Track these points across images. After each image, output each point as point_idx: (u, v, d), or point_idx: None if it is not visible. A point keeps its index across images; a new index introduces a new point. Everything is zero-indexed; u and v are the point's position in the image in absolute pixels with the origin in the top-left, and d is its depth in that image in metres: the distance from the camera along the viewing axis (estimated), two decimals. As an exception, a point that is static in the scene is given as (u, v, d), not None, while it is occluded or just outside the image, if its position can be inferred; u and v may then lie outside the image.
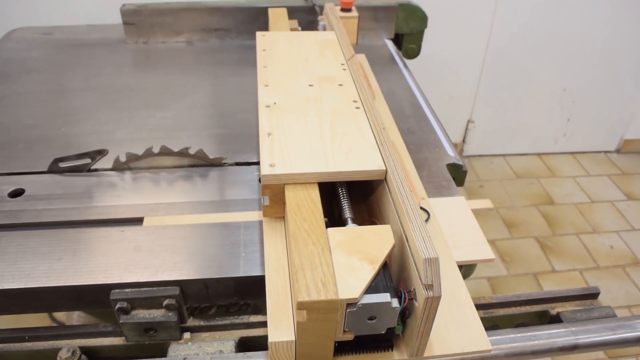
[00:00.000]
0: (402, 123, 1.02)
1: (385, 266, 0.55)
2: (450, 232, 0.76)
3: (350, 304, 0.50)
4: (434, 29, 2.00)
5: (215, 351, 0.70)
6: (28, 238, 0.75)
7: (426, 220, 0.77)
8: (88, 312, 1.08)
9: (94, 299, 0.69)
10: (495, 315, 0.80)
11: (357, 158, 0.65)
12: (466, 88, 2.26)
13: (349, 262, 0.53)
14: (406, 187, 0.60)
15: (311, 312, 0.50)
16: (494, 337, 0.70)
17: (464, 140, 2.43)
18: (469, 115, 2.36)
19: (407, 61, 1.33)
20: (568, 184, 2.38)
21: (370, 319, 0.52)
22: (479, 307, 0.80)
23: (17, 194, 0.82)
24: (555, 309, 0.80)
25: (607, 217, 2.20)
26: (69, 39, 1.30)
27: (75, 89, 1.10)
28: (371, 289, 0.52)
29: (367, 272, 0.52)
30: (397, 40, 1.40)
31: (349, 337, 0.54)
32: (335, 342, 0.55)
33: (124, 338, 0.72)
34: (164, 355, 0.71)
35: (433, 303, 0.51)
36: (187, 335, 0.72)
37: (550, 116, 2.43)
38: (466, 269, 0.78)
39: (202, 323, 0.74)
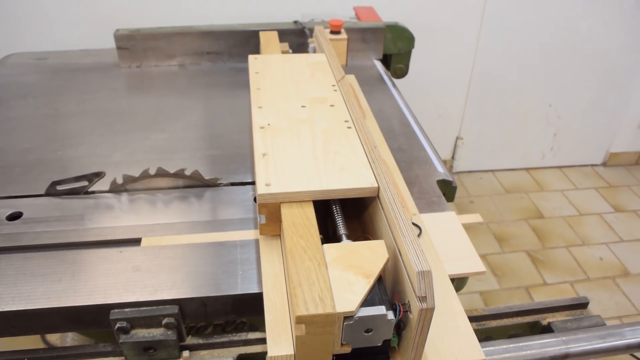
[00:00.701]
0: (393, 141, 1.04)
1: (380, 280, 0.57)
2: (441, 247, 0.78)
3: (348, 317, 0.52)
4: (421, 48, 2.05)
5: (214, 367, 0.71)
6: (27, 260, 0.75)
7: (418, 236, 0.79)
8: (83, 334, 1.08)
9: (94, 319, 0.70)
10: (488, 327, 0.81)
11: (349, 176, 0.68)
12: (454, 105, 2.31)
13: (344, 277, 0.55)
14: (398, 203, 0.62)
15: (310, 325, 0.52)
16: (488, 348, 0.72)
17: (453, 157, 2.47)
18: (458, 132, 2.40)
19: (396, 80, 1.36)
20: (556, 197, 2.42)
21: (367, 331, 0.54)
22: (471, 319, 0.82)
23: (15, 217, 0.83)
24: (547, 319, 0.82)
25: (596, 229, 2.23)
26: (63, 64, 1.32)
27: (71, 113, 1.12)
28: (367, 302, 0.54)
29: (363, 286, 0.54)
30: (386, 60, 1.44)
31: (347, 350, 0.55)
32: (333, 355, 0.56)
33: (123, 358, 0.73)
34: (164, 374, 0.72)
35: (427, 314, 0.53)
36: (186, 353, 0.73)
37: (537, 131, 2.48)
38: (458, 282, 0.80)
39: (200, 341, 0.75)
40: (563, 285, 1.96)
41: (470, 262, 0.77)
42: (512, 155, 2.53)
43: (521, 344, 0.74)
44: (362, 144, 0.74)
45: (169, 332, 0.70)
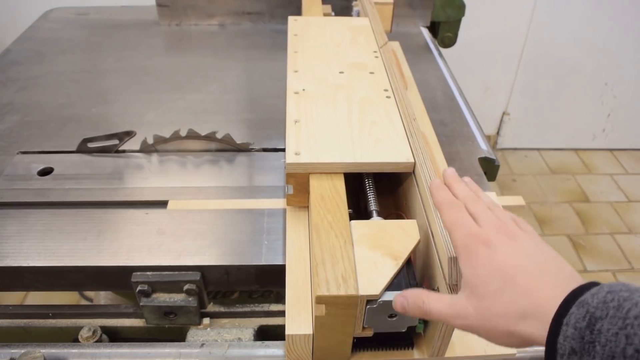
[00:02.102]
0: (435, 114, 0.99)
1: (409, 263, 0.53)
2: (479, 229, 0.74)
3: (371, 300, 0.49)
4: (472, 16, 1.95)
5: (234, 338, 0.70)
6: (55, 217, 0.75)
7: (454, 216, 0.74)
8: (114, 292, 1.10)
9: (116, 280, 0.70)
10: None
11: (385, 149, 0.64)
12: (503, 79, 2.20)
13: (371, 257, 0.52)
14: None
15: (330, 306, 0.49)
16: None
17: (498, 133, 2.37)
18: (505, 107, 2.29)
19: (443, 50, 1.29)
20: (605, 181, 2.30)
21: (391, 316, 0.51)
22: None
23: (46, 172, 0.83)
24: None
25: (645, 217, 2.12)
26: (103, 20, 1.31)
27: (108, 69, 1.11)
28: (393, 285, 0.50)
29: (390, 269, 0.51)
30: (434, 28, 1.36)
31: (368, 333, 0.52)
32: (354, 337, 0.54)
33: (144, 320, 0.72)
34: (183, 339, 0.71)
35: (457, 304, 0.49)
36: (206, 320, 0.72)
37: (590, 111, 2.34)
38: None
39: (222, 309, 0.73)
40: (604, 274, 1.87)
41: (508, 247, 0.72)
42: (561, 135, 2.41)
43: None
44: (401, 115, 0.70)
45: (190, 299, 0.69)
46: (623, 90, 2.29)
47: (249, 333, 0.70)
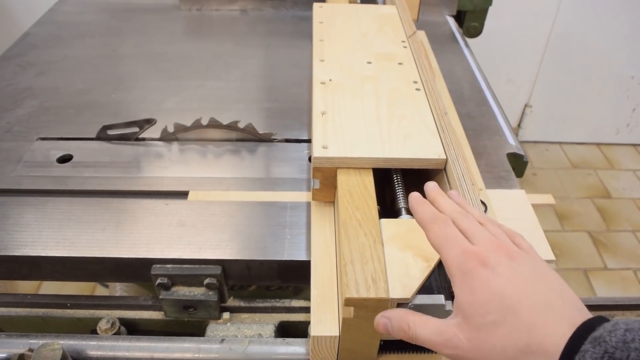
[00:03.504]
0: (461, 107, 0.96)
1: (440, 265, 0.51)
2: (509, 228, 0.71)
3: (401, 303, 0.47)
4: (497, 5, 1.90)
5: (254, 334, 0.68)
6: (73, 205, 0.74)
7: (485, 212, 0.72)
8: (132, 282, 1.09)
9: (135, 272, 0.68)
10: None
11: (415, 144, 0.61)
12: (526, 70, 2.15)
13: (402, 258, 0.50)
14: (467, 179, 0.56)
15: (359, 309, 0.47)
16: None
17: (519, 125, 2.32)
18: (527, 99, 2.24)
19: (468, 40, 1.26)
20: (627, 177, 2.24)
21: (422, 320, 0.48)
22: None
23: (65, 159, 0.82)
24: (615, 317, 0.74)
25: (668, 215, 2.07)
26: (123, 4, 1.29)
27: (127, 55, 1.09)
28: (424, 288, 0.48)
29: (422, 271, 0.48)
30: (459, 17, 1.32)
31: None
32: (381, 340, 0.52)
33: (163, 313, 0.71)
34: (202, 333, 0.69)
35: (491, 309, 0.47)
36: (226, 315, 0.71)
37: (615, 105, 2.28)
38: (523, 269, 0.73)
39: (242, 304, 0.72)
40: (625, 272, 1.83)
41: (538, 247, 0.69)
42: (584, 128, 2.36)
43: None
44: (432, 109, 0.67)
45: (210, 293, 0.67)
46: (650, 84, 2.23)
47: (269, 329, 0.69)
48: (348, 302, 0.46)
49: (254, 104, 0.95)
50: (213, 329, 0.69)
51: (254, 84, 1.01)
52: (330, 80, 0.72)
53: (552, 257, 0.69)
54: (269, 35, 1.18)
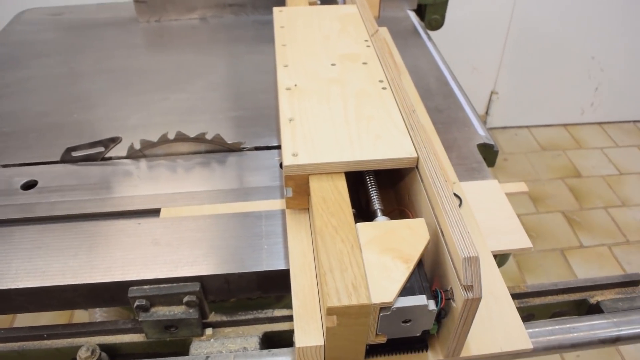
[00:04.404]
0: (429, 101, 0.96)
1: (420, 264, 0.51)
2: (483, 219, 0.72)
3: (384, 307, 0.47)
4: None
5: (239, 348, 0.67)
6: (43, 233, 0.72)
7: (459, 206, 0.72)
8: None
9: (112, 296, 0.67)
10: (531, 305, 0.76)
11: (386, 145, 0.61)
12: (490, 58, 2.18)
13: (381, 262, 0.49)
14: (440, 176, 0.56)
15: (341, 317, 0.47)
16: (531, 330, 0.66)
17: (487, 112, 2.35)
18: (493, 86, 2.27)
19: (430, 33, 1.26)
20: (596, 155, 2.30)
21: (405, 322, 0.48)
22: (514, 296, 0.76)
23: (30, 185, 0.79)
24: (595, 297, 0.76)
25: (637, 189, 2.12)
26: (79, 19, 1.25)
27: (87, 72, 1.06)
28: (406, 290, 0.48)
29: (402, 273, 0.48)
30: (420, 11, 1.33)
31: (382, 340, 0.50)
32: (367, 344, 0.51)
33: (144, 335, 0.70)
34: (186, 352, 0.68)
35: (473, 305, 0.47)
36: (209, 331, 0.70)
37: (578, 85, 2.33)
38: (501, 258, 0.74)
39: (224, 318, 0.71)
40: (601, 248, 1.87)
41: (515, 237, 0.70)
42: (550, 111, 2.40)
43: (568, 325, 0.68)
44: (399, 107, 0.67)
45: (191, 310, 0.66)
46: (610, 63, 2.28)
47: (254, 341, 0.68)
48: (330, 311, 0.46)
49: (221, 114, 0.94)
50: (197, 346, 0.68)
51: (220, 93, 0.99)
52: (295, 85, 0.71)
53: (529, 244, 0.70)
54: (231, 42, 1.17)
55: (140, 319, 0.66)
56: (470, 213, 0.71)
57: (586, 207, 2.04)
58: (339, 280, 0.47)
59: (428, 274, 0.55)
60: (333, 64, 0.76)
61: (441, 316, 0.52)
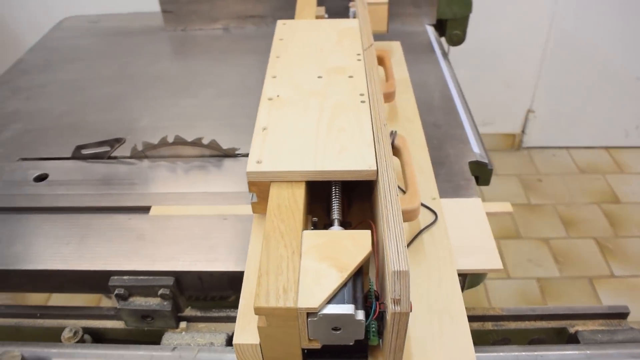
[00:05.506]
0: (428, 116, 0.97)
1: (358, 275, 0.53)
2: (458, 236, 0.72)
3: (311, 313, 0.49)
4: (491, 10, 1.90)
5: (206, 343, 0.71)
6: (44, 221, 0.78)
7: (433, 223, 0.73)
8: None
9: (96, 283, 0.72)
10: (507, 329, 0.75)
11: (349, 157, 0.63)
12: (526, 74, 2.13)
13: (317, 269, 0.51)
14: (392, 190, 0.57)
15: (270, 318, 0.49)
16: (495, 354, 0.66)
17: (523, 131, 2.29)
18: (529, 104, 2.21)
19: (461, 47, 1.26)
20: (638, 181, 2.19)
21: (335, 329, 0.50)
22: (488, 318, 0.75)
23: (41, 178, 0.87)
24: (575, 327, 0.74)
25: (681, 219, 2.01)
26: (112, 27, 1.34)
27: (110, 77, 1.14)
28: (337, 298, 0.50)
29: (334, 281, 0.50)
30: (441, 26, 1.33)
31: (316, 345, 0.52)
32: (305, 349, 0.53)
33: (124, 322, 0.74)
34: (160, 342, 0.72)
35: (401, 319, 0.48)
36: (183, 324, 0.74)
37: (622, 107, 2.23)
38: (473, 278, 0.73)
39: (198, 314, 0.74)
40: (633, 280, 1.78)
41: (487, 257, 0.70)
42: (591, 132, 2.31)
43: (535, 352, 0.67)
44: (372, 121, 0.69)
45: (165, 303, 0.70)
46: (658, 84, 2.17)
47: (221, 338, 0.71)
48: (258, 311, 0.48)
49: (225, 121, 0.98)
50: (168, 337, 0.72)
51: (228, 101, 1.04)
52: (278, 96, 0.74)
53: (500, 266, 0.70)
54: (248, 52, 1.21)
55: (118, 307, 0.71)
56: (444, 229, 0.72)
57: (622, 234, 1.94)
58: (272, 283, 0.50)
59: (379, 288, 0.57)
60: (320, 77, 0.78)
61: (382, 328, 0.54)
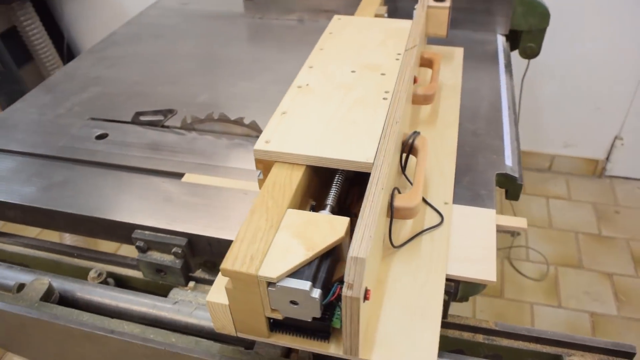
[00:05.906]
0: (470, 123, 0.96)
1: (327, 257, 0.55)
2: (461, 244, 0.72)
3: (271, 283, 0.52)
4: (585, 28, 1.79)
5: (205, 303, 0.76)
6: (93, 174, 0.88)
7: (438, 225, 0.73)
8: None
9: (123, 234, 0.80)
10: (498, 345, 0.73)
11: (351, 147, 0.65)
12: (618, 99, 1.97)
13: (287, 244, 0.55)
14: (379, 184, 0.59)
15: (235, 281, 0.53)
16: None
17: (607, 159, 2.13)
18: (618, 130, 2.06)
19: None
20: None
21: (293, 303, 0.53)
22: (479, 330, 0.75)
23: (102, 137, 0.97)
24: (572, 356, 0.71)
25: None
26: (199, 10, 1.45)
27: (184, 54, 1.23)
28: (297, 274, 0.53)
29: (298, 257, 0.53)
30: (515, 37, 1.29)
31: (278, 316, 0.55)
32: (271, 319, 0.57)
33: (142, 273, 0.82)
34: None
35: (353, 304, 0.51)
36: (191, 284, 0.80)
37: None
38: (468, 286, 0.72)
39: (206, 276, 0.81)
40: None
41: (483, 267, 0.69)
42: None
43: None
44: (386, 117, 0.70)
45: (177, 261, 0.77)
46: None
47: (221, 301, 0.76)
48: (223, 272, 0.53)
49: (274, 105, 1.03)
50: (175, 292, 0.79)
51: (282, 87, 1.09)
52: (307, 85, 0.78)
53: (493, 278, 0.69)
54: (314, 45, 1.26)
55: (137, 258, 0.79)
56: (447, 234, 0.72)
57: (702, 282, 1.76)
58: (243, 250, 0.54)
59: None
60: (353, 71, 0.81)
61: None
